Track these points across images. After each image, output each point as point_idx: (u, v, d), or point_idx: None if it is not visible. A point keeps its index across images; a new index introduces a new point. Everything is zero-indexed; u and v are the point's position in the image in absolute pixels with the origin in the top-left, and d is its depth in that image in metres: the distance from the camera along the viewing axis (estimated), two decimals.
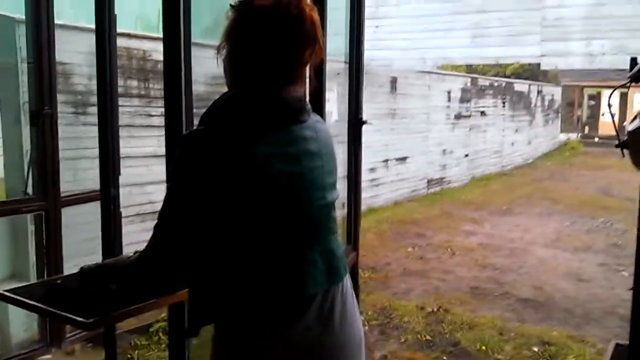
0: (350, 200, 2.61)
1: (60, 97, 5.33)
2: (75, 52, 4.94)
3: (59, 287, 1.64)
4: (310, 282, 1.37)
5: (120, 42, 4.39)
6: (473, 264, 7.05)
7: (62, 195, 3.60)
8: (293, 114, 1.38)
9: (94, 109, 2.87)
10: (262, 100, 1.35)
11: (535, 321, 5.17)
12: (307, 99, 1.49)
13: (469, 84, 13.51)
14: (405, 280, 6.41)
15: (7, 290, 1.64)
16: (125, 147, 3.78)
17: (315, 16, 1.38)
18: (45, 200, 3.49)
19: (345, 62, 2.62)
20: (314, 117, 1.47)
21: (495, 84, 15.06)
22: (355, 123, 2.50)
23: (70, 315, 1.46)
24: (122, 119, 3.97)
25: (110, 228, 2.48)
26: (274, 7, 1.33)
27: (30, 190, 3.52)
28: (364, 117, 2.49)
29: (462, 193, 12.11)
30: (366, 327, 5.02)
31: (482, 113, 14.16)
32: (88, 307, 1.52)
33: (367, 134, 9.73)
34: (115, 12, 3.95)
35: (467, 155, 13.49)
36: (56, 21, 4.20)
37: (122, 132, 3.40)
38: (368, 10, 9.75)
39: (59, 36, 3.79)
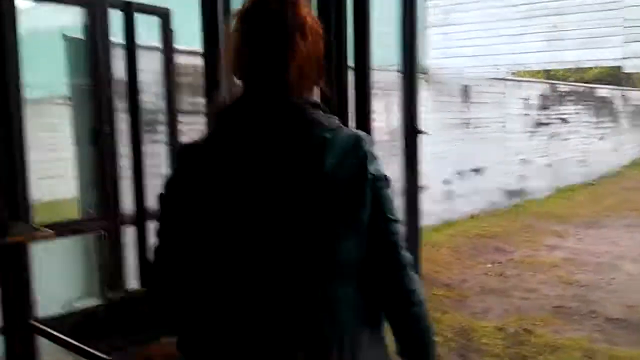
0: (409, 219, 2.42)
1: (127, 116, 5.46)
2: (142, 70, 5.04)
3: (90, 317, 1.56)
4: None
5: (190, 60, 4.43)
6: (557, 280, 6.63)
7: (125, 214, 3.60)
8: None
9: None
10: None
11: (627, 344, 4.75)
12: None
13: (547, 90, 12.94)
14: (484, 298, 6.09)
15: (38, 321, 1.58)
16: None
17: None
18: (106, 220, 3.48)
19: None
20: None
21: (577, 89, 14.38)
22: (409, 133, 2.32)
23: (92, 351, 1.36)
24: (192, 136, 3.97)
25: None
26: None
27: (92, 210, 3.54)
28: (423, 128, 2.31)
29: (545, 205, 11.54)
30: (446, 349, 4.78)
31: (563, 120, 13.52)
32: (114, 338, 1.43)
33: (439, 144, 9.47)
34: (173, 29, 3.97)
35: (548, 165, 12.88)
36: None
37: None
38: (436, 18, 9.50)
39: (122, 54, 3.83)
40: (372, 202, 1.21)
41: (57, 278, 4.21)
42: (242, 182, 1.16)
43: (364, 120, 1.90)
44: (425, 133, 2.35)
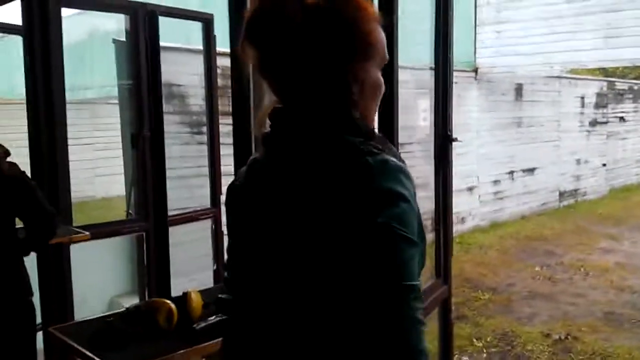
0: (439, 227, 2.35)
1: (175, 118, 5.55)
2: (189, 74, 5.11)
3: (108, 326, 1.59)
4: None
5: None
6: (608, 286, 6.39)
7: (172, 214, 3.67)
8: None
9: None
10: None
11: None
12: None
13: (604, 88, 12.48)
14: (531, 303, 5.94)
15: (56, 328, 1.62)
16: None
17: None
18: (146, 221, 3.54)
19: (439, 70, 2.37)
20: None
21: (636, 87, 13.83)
22: (442, 140, 2.24)
23: None
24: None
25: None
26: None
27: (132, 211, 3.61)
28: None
29: (599, 206, 11.14)
30: (484, 355, 4.68)
31: (621, 119, 13.03)
32: (130, 349, 1.45)
33: (490, 145, 9.27)
34: (215, 34, 4.02)
35: (604, 165, 12.43)
36: (170, 44, 4.34)
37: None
38: (488, 16, 9.28)
39: (174, 58, 3.91)
40: (377, 259, 0.94)
41: (106, 275, 4.32)
42: (269, 216, 1.04)
43: (389, 130, 1.82)
44: (457, 140, 2.27)
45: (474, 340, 4.98)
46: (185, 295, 1.76)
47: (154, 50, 3.47)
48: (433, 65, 2.24)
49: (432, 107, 2.26)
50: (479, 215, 9.41)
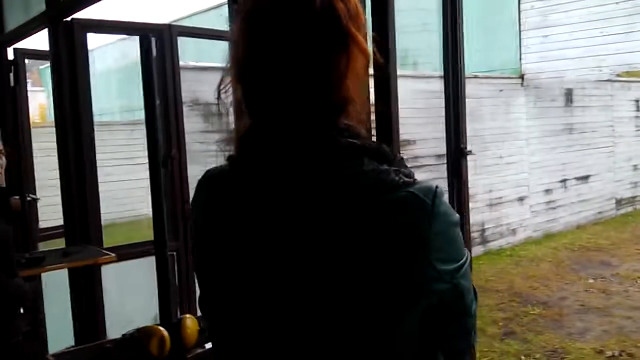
0: None
1: (215, 136, 5.63)
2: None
3: (104, 353, 1.58)
4: None
5: None
6: None
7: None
8: None
9: None
10: None
11: None
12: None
13: None
14: (583, 317, 5.68)
15: (55, 355, 1.62)
16: None
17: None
18: (176, 240, 3.57)
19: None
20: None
21: None
22: (455, 154, 2.14)
23: None
24: None
25: None
26: None
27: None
28: (468, 146, 2.12)
29: None
30: None
31: None
32: None
33: (539, 153, 9.02)
34: None
35: None
36: (199, 63, 4.39)
37: None
38: (532, 20, 9.02)
39: (214, 78, 3.95)
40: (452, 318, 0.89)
41: (143, 295, 4.35)
42: (248, 225, 0.88)
43: (388, 139, 1.73)
44: (471, 153, 2.17)
45: (522, 357, 4.80)
46: (180, 320, 1.74)
47: (174, 69, 3.51)
48: (443, 74, 2.13)
49: (445, 120, 2.17)
50: (531, 226, 9.12)
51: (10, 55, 4.37)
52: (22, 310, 2.49)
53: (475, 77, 8.30)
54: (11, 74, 4.35)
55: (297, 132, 0.85)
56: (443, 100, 2.18)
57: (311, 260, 0.83)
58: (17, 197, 3.86)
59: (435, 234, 0.82)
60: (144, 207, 11.68)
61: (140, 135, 12.44)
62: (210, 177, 0.98)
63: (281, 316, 0.87)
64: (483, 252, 8.18)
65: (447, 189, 2.20)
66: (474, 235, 8.02)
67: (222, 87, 0.91)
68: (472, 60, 8.90)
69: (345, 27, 0.84)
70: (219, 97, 0.91)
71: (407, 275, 0.81)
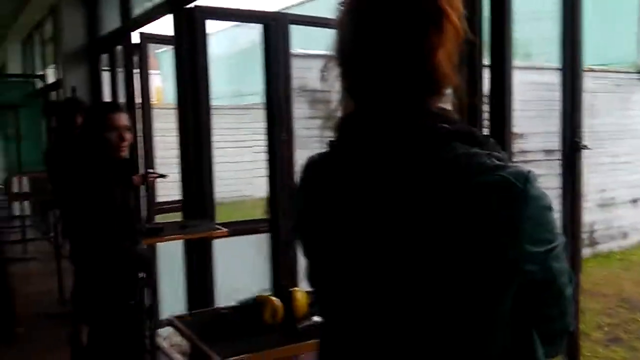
0: (567, 249, 2.16)
1: (319, 122, 5.76)
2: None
3: (221, 318, 1.71)
4: None
5: None
6: None
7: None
8: None
9: None
10: None
11: None
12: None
13: None
14: None
15: (177, 317, 1.77)
16: None
17: None
18: (274, 222, 3.71)
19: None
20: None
21: None
22: (570, 148, 2.09)
23: (208, 350, 1.50)
24: None
25: None
26: None
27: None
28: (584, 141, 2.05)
29: None
30: None
31: None
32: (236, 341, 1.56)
33: None
34: None
35: None
36: (307, 50, 4.50)
37: None
38: None
39: (313, 64, 4.05)
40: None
41: (249, 269, 4.55)
42: (346, 207, 0.94)
43: (500, 137, 1.73)
44: (587, 148, 2.11)
45: None
46: (291, 293, 1.84)
47: (286, 57, 3.62)
48: (559, 65, 2.07)
49: (560, 113, 2.12)
50: None
51: (135, 40, 4.66)
52: (142, 275, 2.69)
53: (591, 70, 7.91)
54: (135, 57, 4.65)
55: (391, 117, 0.89)
56: (556, 93, 2.13)
57: (406, 240, 0.87)
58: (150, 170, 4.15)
59: (526, 217, 0.84)
60: (248, 189, 12.12)
61: (247, 120, 12.86)
62: (312, 162, 1.04)
63: (379, 292, 0.92)
64: (591, 255, 7.82)
65: (559, 185, 2.15)
66: (582, 236, 7.67)
67: (326, 73, 0.96)
68: (586, 52, 8.39)
69: (440, 4, 0.88)
70: (323, 83, 0.97)
71: (498, 256, 0.84)
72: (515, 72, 1.86)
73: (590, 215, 7.86)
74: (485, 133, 1.82)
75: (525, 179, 0.85)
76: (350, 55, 0.92)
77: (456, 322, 0.88)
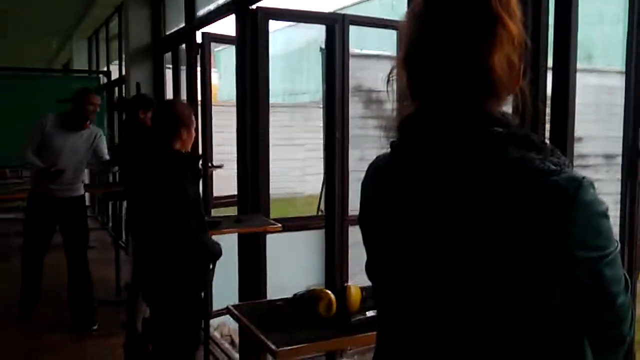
0: (623, 250, 2.14)
1: (374, 122, 5.79)
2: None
3: (276, 309, 1.78)
4: None
5: None
6: None
7: (353, 214, 3.86)
8: None
9: None
10: None
11: None
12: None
13: None
14: None
15: (234, 306, 1.84)
16: None
17: None
18: (329, 219, 3.77)
19: None
20: None
21: None
22: (631, 153, 2.05)
23: (264, 339, 1.56)
24: None
25: None
26: None
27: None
28: None
29: None
30: None
31: None
32: (291, 332, 1.61)
33: None
34: None
35: None
36: (363, 51, 4.55)
37: None
38: None
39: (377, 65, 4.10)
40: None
41: (310, 265, 4.62)
42: (406, 207, 0.98)
43: (562, 141, 1.72)
44: None
45: None
46: (345, 288, 1.88)
47: (344, 57, 3.67)
48: (624, 68, 2.03)
49: (623, 116, 2.08)
50: None
51: (198, 39, 4.80)
52: (211, 266, 2.75)
53: (621, 73, 7.65)
54: (198, 56, 4.79)
55: (447, 119, 0.93)
56: (618, 97, 2.09)
57: (460, 240, 0.91)
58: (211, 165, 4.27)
59: (575, 222, 0.86)
60: (299, 186, 12.22)
61: (299, 119, 12.95)
62: (376, 162, 1.09)
63: (435, 288, 0.96)
64: None
65: (619, 190, 2.12)
66: None
67: (391, 76, 1.00)
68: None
69: (495, 10, 0.90)
70: (387, 85, 1.01)
71: (545, 258, 0.86)
72: (577, 75, 1.84)
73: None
74: (543, 138, 1.85)
75: (579, 184, 0.87)
76: (413, 58, 0.96)
77: (504, 318, 0.91)
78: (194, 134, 2.60)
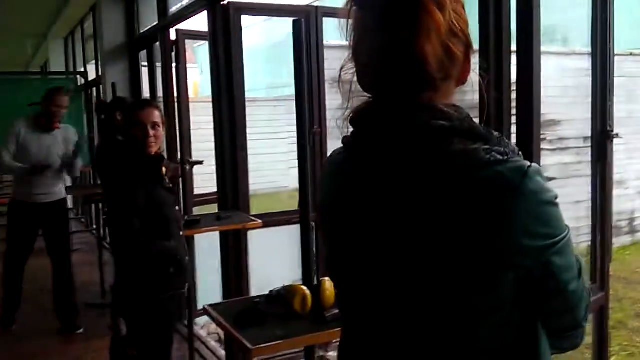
0: (595, 231, 2.17)
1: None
2: None
3: (253, 306, 1.78)
4: None
5: None
6: None
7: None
8: None
9: None
10: None
11: None
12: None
13: None
14: None
15: (210, 305, 1.85)
16: None
17: None
18: (304, 214, 3.76)
19: None
20: None
21: None
22: (599, 136, 2.08)
23: (240, 337, 1.56)
24: None
25: None
26: None
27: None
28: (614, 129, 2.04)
29: None
30: None
31: None
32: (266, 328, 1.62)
33: None
34: None
35: None
36: (341, 42, 4.54)
37: None
38: None
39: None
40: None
41: (282, 260, 4.63)
42: (356, 200, 0.98)
43: (527, 127, 1.72)
44: (617, 136, 2.09)
45: None
46: (320, 282, 1.90)
47: (318, 49, 3.67)
48: (589, 51, 2.04)
49: (591, 100, 2.10)
50: None
51: (172, 37, 4.76)
52: (171, 270, 2.70)
53: (631, 54, 7.71)
54: (173, 54, 4.75)
55: (390, 115, 0.91)
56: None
57: (409, 234, 0.91)
58: (177, 163, 4.25)
59: (519, 211, 0.85)
60: (284, 180, 12.20)
61: (282, 112, 12.93)
62: (333, 156, 1.09)
63: (388, 283, 0.97)
64: (631, 243, 7.67)
65: (590, 172, 2.15)
66: (622, 224, 7.52)
67: (343, 69, 0.98)
68: (627, 36, 8.20)
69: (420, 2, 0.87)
70: (339, 79, 0.98)
71: (490, 248, 0.86)
72: (553, 58, 1.85)
73: (630, 202, 7.69)
74: (509, 125, 1.85)
75: (524, 173, 0.86)
76: (356, 49, 0.95)
77: (453, 309, 0.91)
78: (153, 134, 2.47)
